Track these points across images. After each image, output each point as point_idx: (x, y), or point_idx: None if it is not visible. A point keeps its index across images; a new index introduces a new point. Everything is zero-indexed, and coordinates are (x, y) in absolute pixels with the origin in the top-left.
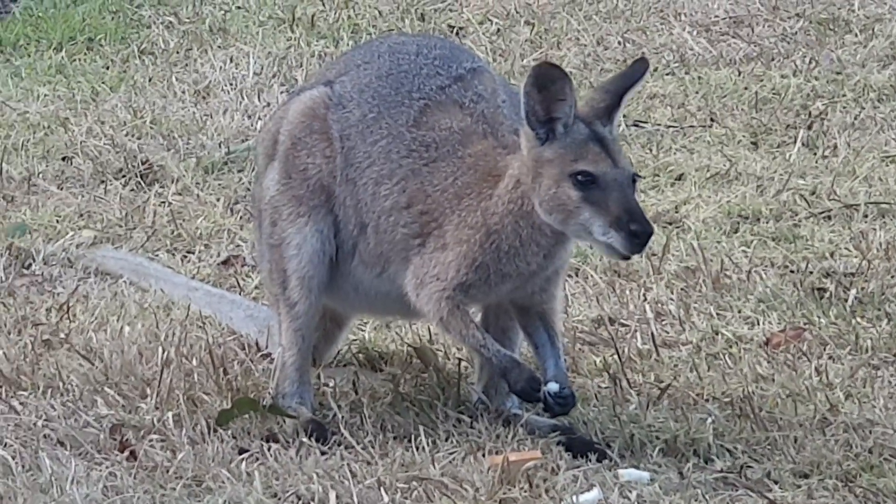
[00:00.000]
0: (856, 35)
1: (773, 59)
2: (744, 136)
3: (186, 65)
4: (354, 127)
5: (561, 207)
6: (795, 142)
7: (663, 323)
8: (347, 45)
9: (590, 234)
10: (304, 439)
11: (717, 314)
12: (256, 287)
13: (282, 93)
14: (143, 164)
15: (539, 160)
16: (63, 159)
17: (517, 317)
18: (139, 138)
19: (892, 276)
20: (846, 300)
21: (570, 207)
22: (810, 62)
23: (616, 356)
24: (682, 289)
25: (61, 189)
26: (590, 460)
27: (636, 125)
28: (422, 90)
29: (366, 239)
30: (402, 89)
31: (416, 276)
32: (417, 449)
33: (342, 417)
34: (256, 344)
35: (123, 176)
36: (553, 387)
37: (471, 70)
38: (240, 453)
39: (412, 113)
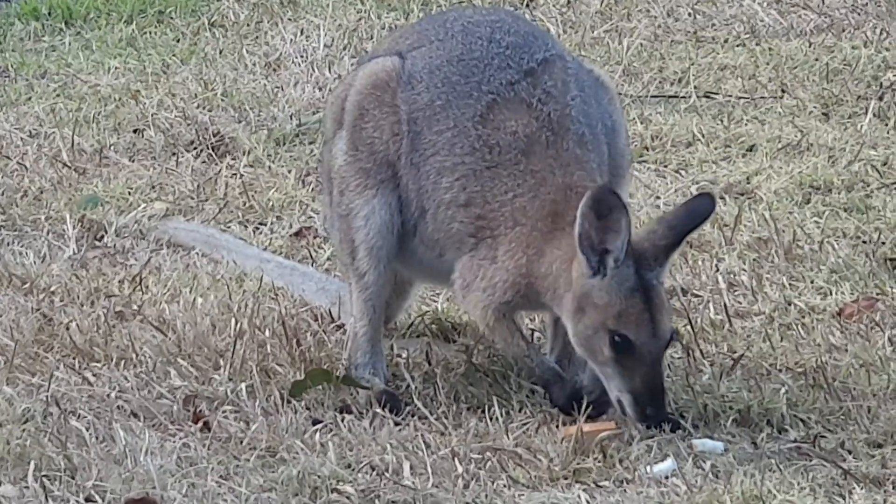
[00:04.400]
0: None
1: (843, 30)
2: (815, 107)
3: (257, 37)
4: (422, 111)
5: (591, 352)
6: (867, 113)
7: (736, 293)
8: (418, 17)
9: (608, 384)
10: (378, 410)
11: (790, 284)
12: (329, 258)
13: (352, 65)
14: (214, 136)
15: (586, 294)
16: (134, 132)
17: None
18: (210, 110)
19: None
20: None
21: (599, 358)
22: (881, 33)
23: (689, 326)
24: (754, 259)
25: (133, 161)
26: (663, 431)
27: (707, 96)
28: (491, 83)
29: (425, 223)
30: (471, 79)
31: (463, 278)
32: (491, 419)
33: (416, 388)
34: (329, 313)
35: (195, 148)
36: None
37: (542, 62)
38: (313, 424)
39: (479, 108)
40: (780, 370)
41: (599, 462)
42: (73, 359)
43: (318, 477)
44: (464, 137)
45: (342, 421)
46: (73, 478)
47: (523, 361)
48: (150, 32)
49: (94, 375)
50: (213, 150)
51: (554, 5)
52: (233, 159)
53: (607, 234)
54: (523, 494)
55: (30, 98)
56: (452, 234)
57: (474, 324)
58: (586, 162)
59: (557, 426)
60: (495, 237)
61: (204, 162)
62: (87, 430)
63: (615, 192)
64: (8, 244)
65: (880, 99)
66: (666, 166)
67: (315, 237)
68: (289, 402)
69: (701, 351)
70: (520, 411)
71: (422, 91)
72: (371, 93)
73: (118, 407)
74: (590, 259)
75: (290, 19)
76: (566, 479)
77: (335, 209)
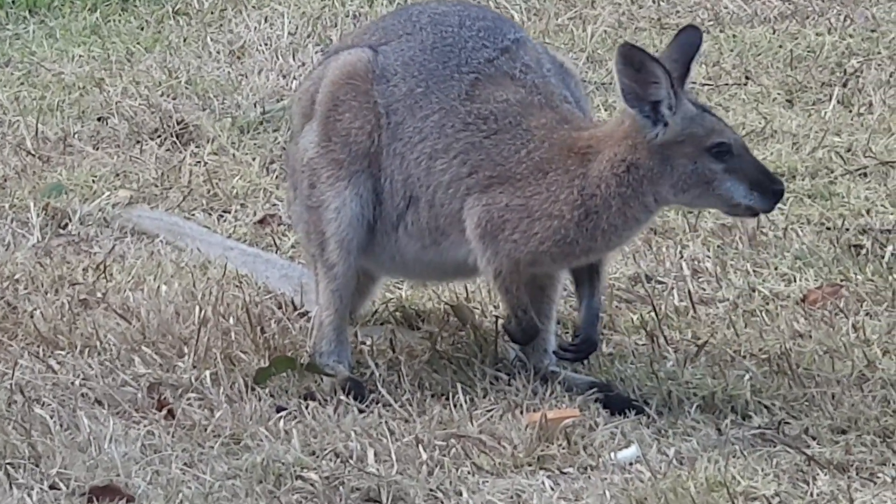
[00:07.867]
0: None
1: (807, 17)
2: (779, 94)
3: (221, 25)
4: (401, 101)
5: (702, 181)
6: (831, 99)
7: (700, 280)
8: (382, 4)
9: (729, 199)
10: (342, 397)
11: (754, 271)
12: (293, 246)
13: (316, 52)
14: (178, 123)
15: (664, 144)
16: (99, 119)
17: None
18: (174, 98)
19: None
20: (882, 257)
21: (711, 180)
22: (845, 20)
23: (653, 313)
24: (718, 246)
25: (97, 149)
26: (628, 417)
27: None
28: (470, 63)
29: (416, 212)
30: (449, 63)
31: (481, 227)
32: (455, 406)
33: (380, 375)
34: (292, 302)
35: (159, 136)
36: None
37: (515, 41)
38: (277, 411)
39: (463, 87)
40: (745, 357)
41: (564, 449)
42: (38, 347)
43: (283, 464)
44: (453, 117)
45: (306, 408)
46: (37, 465)
47: (518, 313)
48: (114, 20)
49: (58, 363)
50: (177, 138)
51: None
52: (197, 147)
53: (650, 88)
54: (487, 481)
55: None
56: (455, 212)
57: (439, 311)
58: (577, 112)
59: (521, 412)
60: (518, 188)
61: (168, 150)
62: (52, 417)
63: (638, 47)
64: None
65: (844, 86)
66: None
67: (279, 224)
68: (253, 389)
69: (665, 337)
70: (484, 398)
71: (398, 83)
72: (345, 83)
73: (82, 394)
74: (643, 111)
75: (254, 7)
76: (530, 465)
77: (303, 201)
